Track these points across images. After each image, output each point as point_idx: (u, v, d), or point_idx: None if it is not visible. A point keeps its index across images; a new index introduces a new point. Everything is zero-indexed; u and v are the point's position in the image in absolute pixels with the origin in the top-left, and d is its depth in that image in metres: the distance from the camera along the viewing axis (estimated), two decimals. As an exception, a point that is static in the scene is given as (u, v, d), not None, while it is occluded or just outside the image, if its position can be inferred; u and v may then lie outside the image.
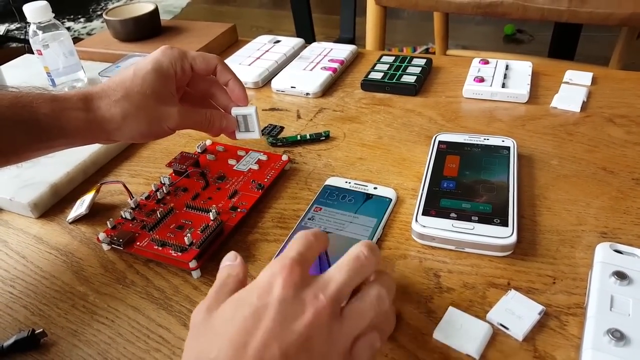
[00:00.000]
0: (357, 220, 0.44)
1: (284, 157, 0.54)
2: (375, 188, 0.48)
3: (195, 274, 0.42)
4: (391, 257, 0.42)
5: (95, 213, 0.50)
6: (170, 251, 0.42)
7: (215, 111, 0.48)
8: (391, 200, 0.47)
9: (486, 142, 0.51)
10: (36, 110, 0.40)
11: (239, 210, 0.47)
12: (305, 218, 0.46)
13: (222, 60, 0.48)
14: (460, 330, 0.34)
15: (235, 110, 0.48)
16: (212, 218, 0.45)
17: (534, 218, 0.44)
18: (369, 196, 0.47)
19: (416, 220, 0.42)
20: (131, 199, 0.48)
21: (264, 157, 0.54)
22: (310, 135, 0.58)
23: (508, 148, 0.49)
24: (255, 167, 0.53)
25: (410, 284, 0.39)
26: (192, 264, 0.41)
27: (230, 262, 0.33)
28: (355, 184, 0.49)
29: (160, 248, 0.42)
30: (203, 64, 0.46)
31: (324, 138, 0.58)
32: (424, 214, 0.43)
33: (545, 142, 0.53)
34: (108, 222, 0.46)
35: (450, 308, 0.36)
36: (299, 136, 0.58)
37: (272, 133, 0.61)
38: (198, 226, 0.44)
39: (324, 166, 0.54)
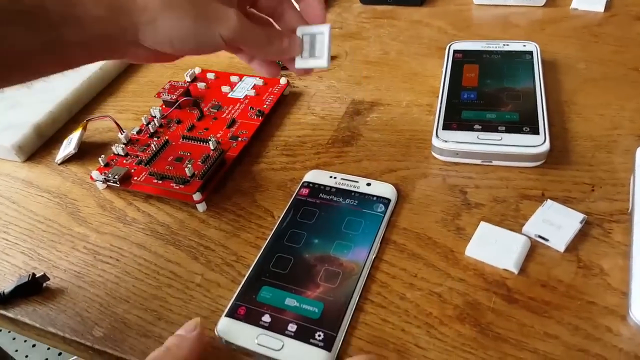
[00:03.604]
0: (343, 240, 0.34)
1: (283, 81, 0.49)
2: (368, 184, 0.37)
3: (201, 207, 0.38)
4: (410, 177, 0.39)
5: (85, 152, 0.46)
6: (172, 184, 0.38)
7: (274, 28, 0.36)
8: (389, 202, 0.36)
9: (506, 48, 0.46)
10: None
11: (239, 139, 0.43)
12: (275, 236, 0.35)
13: None
14: (495, 245, 0.32)
15: (302, 29, 0.34)
16: (212, 148, 0.41)
17: (563, 125, 0.40)
18: (359, 198, 0.36)
19: (436, 135, 0.39)
20: (122, 133, 0.44)
21: (260, 82, 0.50)
22: (310, 55, 0.53)
23: (531, 52, 0.45)
24: (252, 92, 0.48)
25: (434, 202, 0.36)
26: (196, 197, 0.38)
27: (184, 332, 0.28)
28: (342, 179, 0.38)
29: (160, 182, 0.39)
30: None
31: (325, 58, 0.53)
32: (444, 128, 0.39)
33: (569, 45, 0.49)
34: (100, 159, 0.42)
35: (482, 223, 0.33)
36: (297, 57, 0.53)
37: (268, 57, 0.55)
38: (198, 157, 0.41)
39: (327, 88, 0.49)
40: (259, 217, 0.38)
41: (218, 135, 0.44)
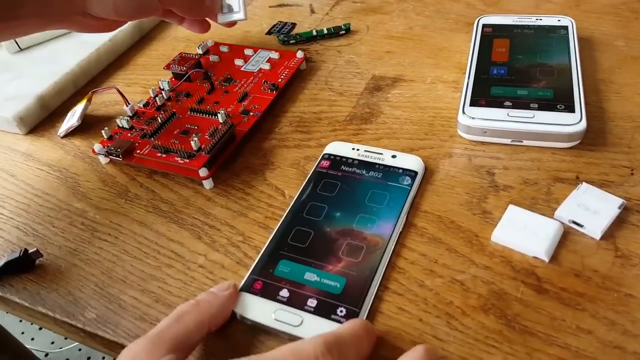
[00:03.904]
0: (366, 214, 0.32)
1: (299, 54, 0.46)
2: (393, 157, 0.35)
3: (207, 184, 0.36)
4: (433, 156, 0.36)
5: (89, 125, 0.44)
6: (176, 158, 0.36)
7: None
8: (416, 174, 0.34)
9: (539, 23, 0.43)
10: None
11: (251, 114, 0.41)
12: (293, 209, 0.33)
13: None
14: (524, 230, 0.29)
15: None
16: (221, 121, 0.39)
17: (600, 104, 0.37)
18: (383, 170, 0.34)
19: (463, 112, 0.36)
20: (127, 106, 0.42)
21: (275, 55, 0.47)
22: (327, 29, 0.51)
23: (566, 27, 0.42)
24: (267, 66, 0.46)
25: (458, 184, 0.33)
26: (202, 172, 0.35)
27: (217, 290, 0.28)
28: (365, 151, 0.36)
29: (164, 155, 0.37)
30: None
31: (344, 32, 0.51)
32: (472, 104, 0.36)
33: (606, 22, 0.46)
34: (103, 132, 0.40)
35: (511, 206, 0.30)
36: (314, 31, 0.51)
37: (282, 31, 0.53)
38: (206, 130, 0.38)
39: (346, 63, 0.47)
40: (269, 196, 0.35)
41: (229, 109, 0.41)
